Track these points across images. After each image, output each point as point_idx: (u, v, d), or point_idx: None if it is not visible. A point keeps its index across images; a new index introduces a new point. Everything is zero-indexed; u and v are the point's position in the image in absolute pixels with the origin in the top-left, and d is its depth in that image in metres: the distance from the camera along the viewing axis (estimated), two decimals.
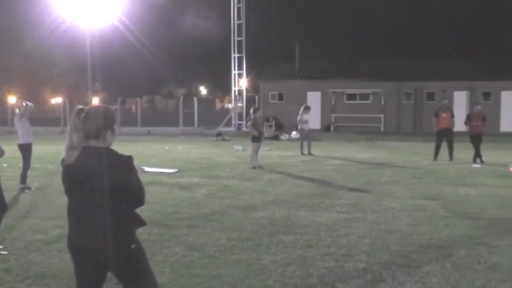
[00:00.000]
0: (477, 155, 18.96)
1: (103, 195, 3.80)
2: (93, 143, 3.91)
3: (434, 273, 6.40)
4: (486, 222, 9.23)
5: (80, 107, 4.05)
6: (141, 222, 4.13)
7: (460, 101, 39.24)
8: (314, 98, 41.86)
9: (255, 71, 47.36)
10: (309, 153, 21.28)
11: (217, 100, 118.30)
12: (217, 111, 79.48)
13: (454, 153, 19.50)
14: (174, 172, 15.77)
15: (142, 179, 4.20)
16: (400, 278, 6.22)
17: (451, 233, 8.41)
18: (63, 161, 3.96)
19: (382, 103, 41.44)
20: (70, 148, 3.91)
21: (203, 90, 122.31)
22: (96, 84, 62.29)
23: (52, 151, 20.06)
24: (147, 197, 4.18)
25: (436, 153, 19.68)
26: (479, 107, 20.06)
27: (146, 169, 15.99)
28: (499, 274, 6.43)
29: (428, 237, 8.08)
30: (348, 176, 15.30)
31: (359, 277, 6.27)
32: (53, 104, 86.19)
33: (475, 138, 19.18)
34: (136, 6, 41.79)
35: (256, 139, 17.23)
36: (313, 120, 32.86)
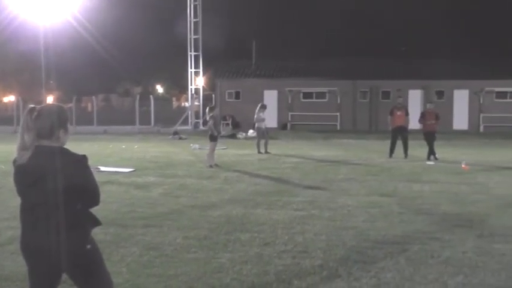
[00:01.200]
0: (431, 152, 19.30)
1: (57, 195, 3.75)
2: (46, 142, 3.86)
3: (389, 268, 6.51)
4: (439, 218, 9.42)
5: (32, 105, 3.98)
6: (96, 222, 4.09)
7: (415, 100, 39.90)
8: (271, 97, 41.99)
9: (211, 69, 47.24)
10: (266, 152, 21.35)
11: (173, 98, 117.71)
12: (174, 110, 79.10)
13: (409, 151, 19.83)
14: (131, 171, 15.65)
15: (98, 178, 4.16)
16: (356, 274, 6.30)
17: (406, 228, 8.56)
18: (15, 161, 3.89)
19: (338, 101, 41.81)
20: (22, 148, 3.84)
21: (160, 89, 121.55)
22: (51, 82, 61.27)
23: (4, 151, 19.67)
24: (103, 196, 4.14)
25: (391, 151, 19.98)
26: (432, 106, 20.44)
27: (102, 168, 15.82)
28: (451, 268, 6.57)
29: (383, 233, 8.21)
30: (304, 173, 15.41)
31: (315, 274, 6.33)
32: (6, 103, 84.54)
33: (429, 136, 19.52)
34: (91, 3, 41.24)
35: (214, 138, 17.22)
36: (270, 118, 33.03)
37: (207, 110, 18.30)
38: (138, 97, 44.29)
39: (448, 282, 6.09)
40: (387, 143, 20.72)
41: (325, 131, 36.76)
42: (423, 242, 7.72)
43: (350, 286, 5.94)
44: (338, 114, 41.72)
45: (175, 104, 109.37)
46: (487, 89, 40.28)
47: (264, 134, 21.83)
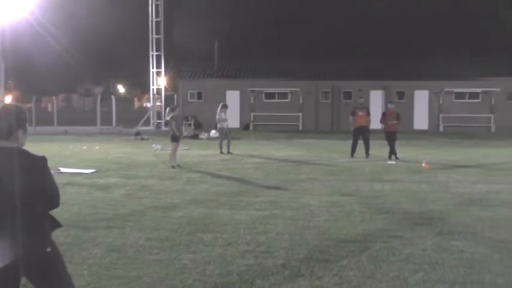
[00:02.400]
0: (392, 151, 19.54)
1: (16, 197, 3.69)
2: (4, 143, 3.80)
3: (350, 267, 6.58)
4: (400, 216, 9.55)
5: None
6: (56, 224, 4.04)
7: (376, 100, 40.37)
8: (233, 97, 42.02)
9: (173, 69, 47.04)
10: (228, 152, 21.34)
11: (135, 99, 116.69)
12: (136, 110, 78.50)
13: (370, 151, 20.04)
14: (92, 172, 15.47)
15: (59, 180, 4.12)
16: (318, 273, 6.35)
17: (367, 227, 8.65)
18: None
19: (301, 102, 42.02)
20: None
21: (121, 89, 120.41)
22: (9, 82, 60.21)
23: None
24: (63, 198, 4.10)
25: (353, 151, 20.15)
26: (393, 106, 20.69)
27: (63, 170, 15.62)
28: (412, 265, 6.67)
29: (345, 232, 8.29)
30: (266, 174, 15.45)
31: (278, 273, 6.36)
32: None
33: (390, 136, 19.77)
34: (51, 1, 40.62)
35: (176, 138, 17.15)
36: (233, 119, 33.04)
37: (168, 110, 18.22)
38: (99, 97, 43.81)
39: (408, 279, 6.18)
40: (349, 143, 20.90)
41: (287, 131, 36.93)
42: (384, 240, 7.82)
43: (312, 285, 5.98)
44: (300, 114, 41.92)
45: (137, 104, 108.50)
46: (446, 89, 40.97)
47: (227, 134, 21.82)
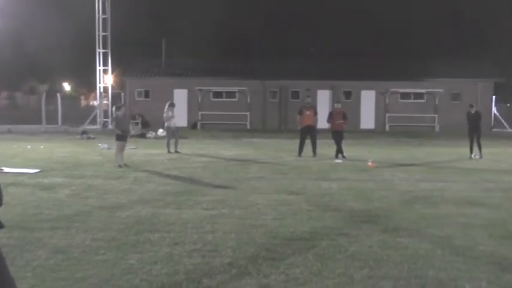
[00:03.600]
0: (339, 150, 19.77)
1: None
2: None
3: (297, 264, 6.63)
4: (346, 214, 9.68)
5: None
6: None
7: (323, 100, 40.79)
8: (181, 96, 41.83)
9: (120, 67, 46.43)
10: (176, 151, 21.23)
11: (82, 97, 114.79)
12: (82, 109, 77.20)
13: (317, 150, 20.22)
14: (36, 172, 15.17)
15: (2, 180, 4.04)
16: (265, 271, 6.38)
17: (314, 225, 8.74)
18: None
19: (248, 101, 42.11)
20: None
21: (67, 87, 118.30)
22: None
23: None
24: (6, 199, 4.02)
25: (300, 150, 20.31)
26: (339, 105, 20.94)
27: (6, 169, 15.28)
28: (357, 261, 6.78)
29: (292, 230, 8.35)
30: (214, 173, 15.43)
31: (225, 272, 6.37)
32: None
33: (337, 135, 20.00)
34: None
35: (121, 137, 16.96)
36: (180, 117, 32.91)
37: (113, 109, 18.00)
38: (44, 95, 42.98)
39: (354, 275, 6.27)
40: (296, 142, 21.05)
41: (235, 130, 36.97)
42: (331, 237, 7.91)
43: (259, 283, 6.01)
44: (248, 113, 42.01)
45: (83, 102, 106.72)
46: (392, 89, 41.68)
47: (174, 133, 21.69)
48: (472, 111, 21.16)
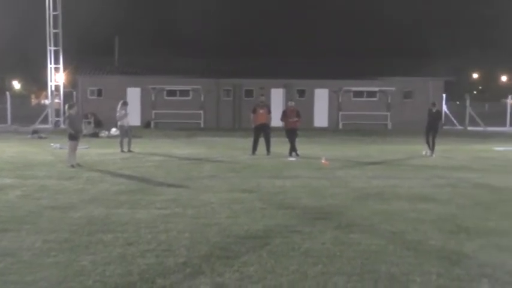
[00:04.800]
0: (292, 149, 19.89)
1: None
2: None
3: (251, 262, 6.65)
4: (300, 211, 9.74)
5: None
6: None
7: (277, 98, 40.97)
8: (134, 94, 41.49)
9: (72, 65, 45.70)
10: (129, 150, 21.05)
11: (32, 96, 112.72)
12: (33, 108, 75.85)
13: (271, 148, 20.30)
14: None
15: None
16: (219, 269, 6.38)
17: (268, 223, 8.77)
18: None
19: (202, 99, 42.00)
20: None
21: (17, 85, 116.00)
22: None
23: None
24: None
25: (254, 148, 20.36)
26: (293, 103, 21.07)
27: None
28: (311, 258, 6.84)
29: (246, 228, 8.37)
30: (168, 172, 15.35)
31: (179, 271, 6.34)
32: None
33: (291, 133, 20.12)
34: None
35: (73, 137, 16.72)
36: (133, 116, 32.58)
37: (66, 107, 17.72)
38: None
39: (308, 272, 6.33)
40: (250, 141, 21.10)
41: (189, 129, 36.86)
42: (284, 235, 7.96)
43: (213, 282, 6.01)
44: (201, 112, 41.90)
45: (34, 101, 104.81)
46: (345, 88, 42.11)
47: (127, 132, 21.49)
48: (434, 110, 21.59)
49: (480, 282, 6.06)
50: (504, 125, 41.85)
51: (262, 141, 20.33)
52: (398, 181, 13.80)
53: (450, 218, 9.29)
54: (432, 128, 21.24)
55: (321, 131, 37.21)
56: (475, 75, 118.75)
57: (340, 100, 42.46)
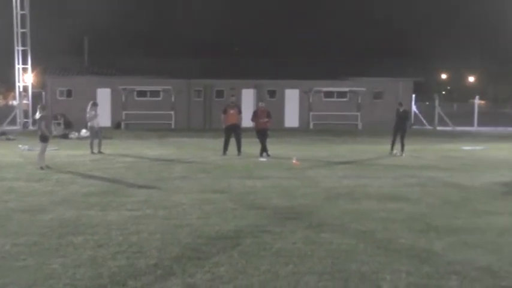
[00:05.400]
0: (263, 149, 19.91)
1: None
2: None
3: (222, 263, 6.66)
4: (271, 211, 9.78)
5: None
6: None
7: (248, 98, 40.97)
8: (104, 95, 41.14)
9: (41, 65, 45.14)
10: (99, 152, 20.89)
11: (0, 96, 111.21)
12: (1, 109, 74.89)
13: (242, 148, 20.32)
14: None
15: None
16: (190, 270, 6.38)
17: (239, 223, 8.79)
18: None
19: (173, 100, 41.84)
20: None
21: None
22: None
23: None
24: None
25: (225, 148, 20.36)
26: (263, 104, 21.14)
27: None
28: (282, 258, 6.87)
29: (217, 229, 8.38)
30: (138, 173, 15.28)
31: (150, 273, 6.32)
32: None
33: (261, 134, 20.15)
34: None
35: (45, 139, 16.56)
36: (104, 117, 32.33)
37: (38, 109, 17.51)
38: None
39: (279, 271, 6.36)
40: (221, 141, 21.08)
41: (159, 130, 36.69)
42: (256, 235, 7.98)
43: (185, 283, 6.00)
44: (172, 112, 41.72)
45: (1, 102, 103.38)
46: (315, 88, 42.28)
47: (98, 134, 21.33)
48: (401, 110, 21.80)
49: (449, 280, 6.15)
50: (472, 124, 42.42)
51: (233, 141, 20.34)
52: (368, 181, 13.92)
53: (420, 217, 9.40)
54: (400, 128, 21.46)
55: (292, 131, 37.31)
56: (444, 76, 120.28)
57: (310, 100, 42.62)
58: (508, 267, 6.61)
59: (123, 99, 41.61)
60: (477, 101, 46.15)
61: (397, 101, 26.52)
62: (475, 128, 41.53)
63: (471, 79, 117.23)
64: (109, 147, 22.72)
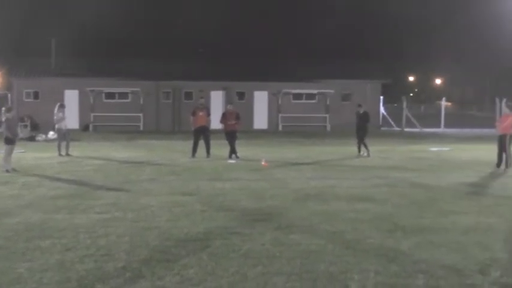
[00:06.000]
0: (232, 151, 19.91)
1: None
2: None
3: (191, 265, 6.65)
4: (240, 213, 9.79)
5: None
6: None
7: (217, 100, 40.98)
8: (72, 97, 40.77)
9: (6, 67, 44.52)
10: (67, 154, 20.68)
11: None
12: None
13: (211, 150, 20.29)
14: None
15: None
16: (159, 273, 6.35)
17: (208, 225, 8.78)
18: None
19: (141, 102, 41.61)
20: None
21: None
22: None
23: None
24: None
25: (194, 151, 20.30)
26: (232, 106, 21.14)
27: None
28: (251, 259, 6.88)
29: (186, 231, 8.36)
30: (107, 175, 15.16)
31: (118, 276, 6.28)
32: None
33: (230, 136, 20.14)
34: None
35: (10, 141, 16.33)
36: (71, 119, 32.04)
37: (3, 111, 17.26)
38: None
39: (248, 273, 6.36)
40: (190, 143, 21.01)
41: (128, 132, 36.47)
42: (225, 237, 7.98)
43: (154, 285, 5.98)
44: (141, 115, 41.50)
45: None
46: (284, 90, 42.42)
47: (65, 136, 21.12)
48: (361, 111, 21.98)
49: (416, 278, 6.22)
50: (439, 126, 42.97)
51: (202, 143, 20.30)
52: (337, 182, 14.02)
53: (387, 217, 9.50)
54: (361, 129, 21.63)
55: (261, 133, 37.39)
56: (411, 78, 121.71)
57: (279, 102, 42.75)
58: (472, 265, 6.71)
59: (91, 101, 41.25)
60: (444, 103, 46.80)
61: (366, 103, 26.81)
62: (441, 130, 42.07)
63: (438, 81, 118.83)
64: (77, 150, 22.51)
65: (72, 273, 6.39)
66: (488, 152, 20.11)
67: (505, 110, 18.11)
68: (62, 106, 21.65)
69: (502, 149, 17.41)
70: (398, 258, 7.02)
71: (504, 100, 23.75)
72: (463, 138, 33.73)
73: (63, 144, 20.99)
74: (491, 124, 22.46)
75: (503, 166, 17.20)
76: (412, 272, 6.45)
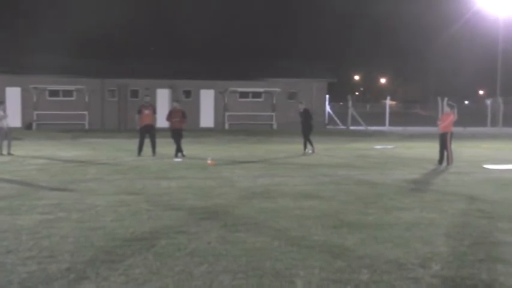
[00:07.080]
0: (178, 149, 19.85)
1: None
2: None
3: (137, 265, 6.58)
4: (186, 212, 9.75)
5: None
6: None
7: (163, 98, 40.74)
8: (14, 94, 39.92)
9: None
10: (9, 153, 20.25)
11: None
12: None
13: (157, 149, 20.17)
14: None
15: None
16: (104, 274, 6.27)
17: (154, 224, 8.71)
18: None
19: (86, 100, 41.03)
20: None
21: None
22: None
23: None
24: None
25: (140, 149, 20.15)
26: (178, 104, 21.05)
27: None
28: (197, 258, 6.86)
29: (132, 231, 8.27)
30: (50, 175, 14.88)
31: (62, 278, 6.17)
32: None
33: (176, 134, 20.08)
34: None
35: None
36: (13, 117, 31.39)
37: None
38: None
39: (193, 271, 6.34)
40: (136, 142, 20.85)
41: (73, 131, 35.94)
42: (170, 236, 7.94)
43: (98, 286, 5.89)
44: (86, 113, 40.94)
45: None
46: (230, 89, 42.46)
47: (7, 134, 20.66)
48: (301, 109, 22.19)
49: (360, 273, 6.32)
50: (384, 124, 43.72)
51: (147, 142, 20.16)
52: (283, 179, 14.11)
53: (333, 214, 9.61)
54: (305, 127, 21.84)
55: (207, 131, 37.36)
56: (357, 77, 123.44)
57: (226, 101, 42.79)
58: (414, 259, 6.86)
59: (34, 98, 40.45)
60: (388, 102, 47.63)
61: (312, 101, 27.04)
62: (386, 128, 42.84)
63: (383, 80, 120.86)
64: (19, 149, 22.04)
65: (14, 276, 6.24)
66: (431, 149, 20.61)
67: (446, 109, 18.64)
68: (2, 103, 21.15)
69: (443, 146, 17.88)
70: (343, 254, 7.11)
71: (445, 99, 24.36)
72: (407, 136, 34.44)
73: (5, 143, 20.54)
74: (434, 122, 22.95)
75: (444, 163, 17.68)
76: (357, 267, 6.55)
